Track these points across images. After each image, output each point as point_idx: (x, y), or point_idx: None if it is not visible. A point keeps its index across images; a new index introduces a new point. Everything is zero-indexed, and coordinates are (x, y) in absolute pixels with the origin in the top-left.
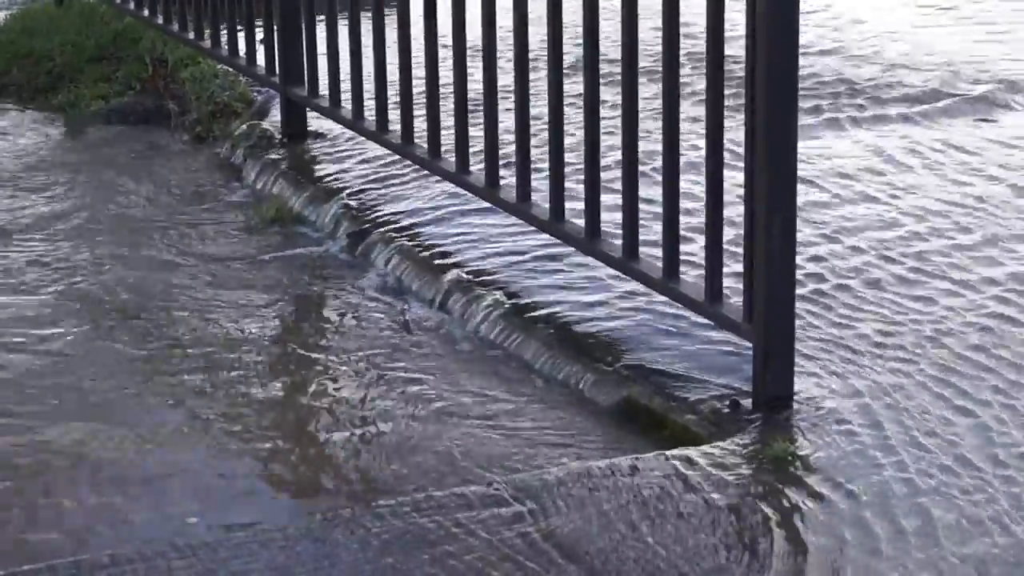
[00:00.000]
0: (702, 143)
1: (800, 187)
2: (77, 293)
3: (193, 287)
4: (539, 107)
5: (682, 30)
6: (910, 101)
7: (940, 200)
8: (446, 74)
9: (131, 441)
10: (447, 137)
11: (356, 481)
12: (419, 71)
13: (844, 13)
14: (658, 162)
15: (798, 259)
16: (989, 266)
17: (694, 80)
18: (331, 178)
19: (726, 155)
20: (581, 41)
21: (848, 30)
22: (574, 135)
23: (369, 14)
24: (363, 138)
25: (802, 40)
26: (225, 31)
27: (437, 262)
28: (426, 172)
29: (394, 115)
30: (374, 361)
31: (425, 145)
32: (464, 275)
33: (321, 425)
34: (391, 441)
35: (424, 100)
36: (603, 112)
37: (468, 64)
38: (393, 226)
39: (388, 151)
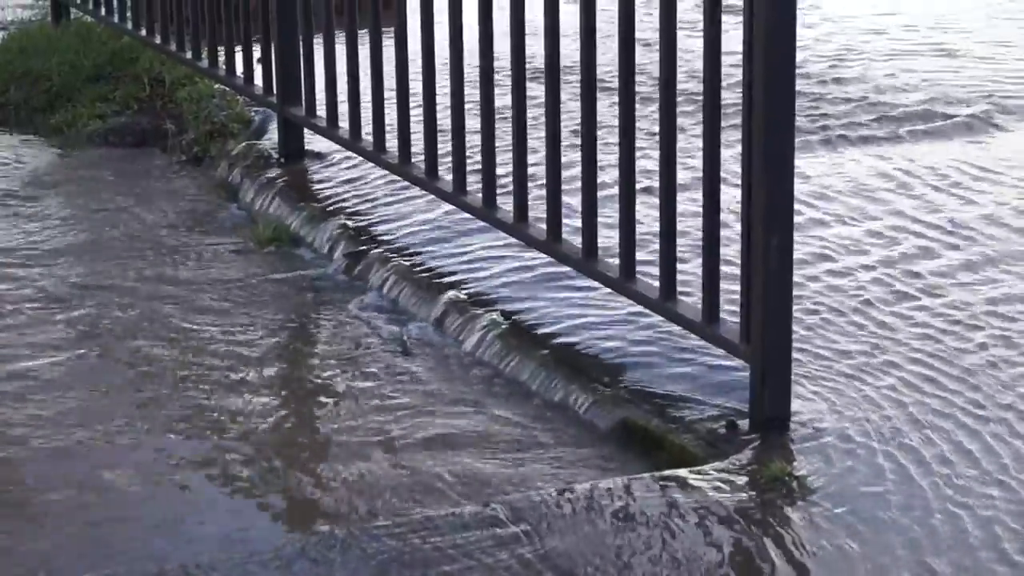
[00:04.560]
0: (699, 162)
1: (795, 207)
2: (69, 315)
3: (188, 310)
4: (537, 127)
5: (679, 52)
6: (898, 122)
7: (932, 221)
8: (444, 95)
9: (124, 465)
10: (444, 157)
11: (351, 502)
12: (417, 87)
13: (833, 33)
14: (655, 181)
15: (794, 280)
16: (984, 287)
17: (692, 100)
18: (328, 198)
19: (724, 174)
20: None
21: (837, 50)
22: (571, 154)
23: (367, 33)
24: (360, 158)
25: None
26: (222, 51)
27: (434, 282)
28: (424, 192)
29: (391, 135)
30: (370, 382)
31: (422, 165)
32: (461, 295)
33: (317, 446)
34: (387, 462)
35: (422, 120)
36: (601, 132)
37: (465, 85)
38: (390, 246)
39: (385, 171)
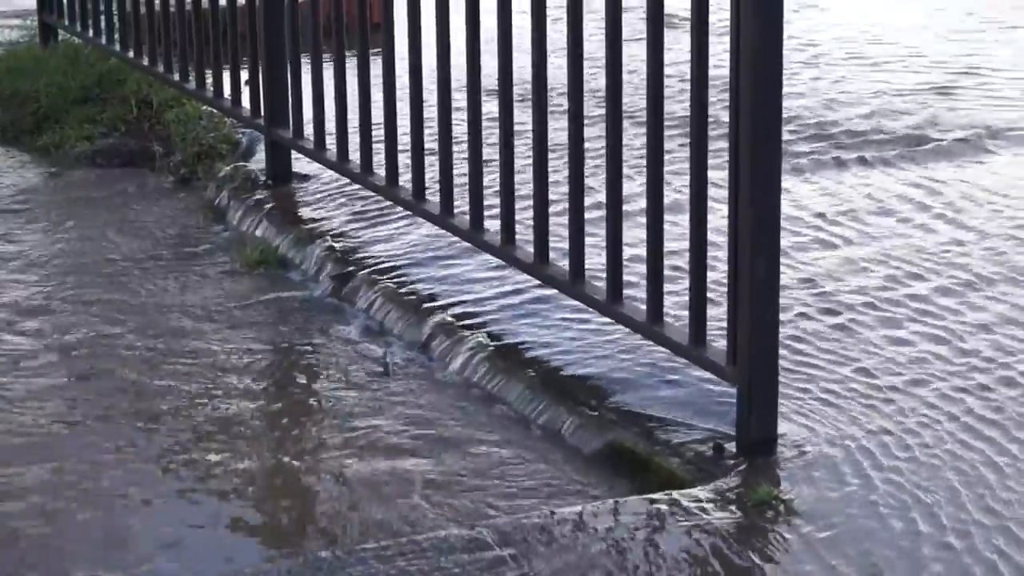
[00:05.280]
0: (686, 184)
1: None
2: (53, 339)
3: (175, 333)
4: (524, 149)
5: (666, 70)
6: (888, 145)
7: (918, 244)
8: (431, 117)
9: (104, 492)
10: (431, 179)
11: (336, 524)
12: (404, 108)
13: (821, 56)
14: (642, 203)
15: (781, 302)
16: (969, 310)
17: (680, 121)
18: (315, 220)
19: (710, 196)
20: (566, 84)
21: (826, 73)
22: (559, 175)
23: (354, 56)
24: (348, 180)
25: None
26: (210, 73)
27: (422, 305)
28: (411, 214)
29: (379, 157)
30: (355, 404)
31: (410, 187)
32: (448, 317)
33: (302, 469)
34: (373, 485)
35: (409, 142)
36: (588, 154)
37: (453, 107)
38: (377, 268)
39: (373, 193)
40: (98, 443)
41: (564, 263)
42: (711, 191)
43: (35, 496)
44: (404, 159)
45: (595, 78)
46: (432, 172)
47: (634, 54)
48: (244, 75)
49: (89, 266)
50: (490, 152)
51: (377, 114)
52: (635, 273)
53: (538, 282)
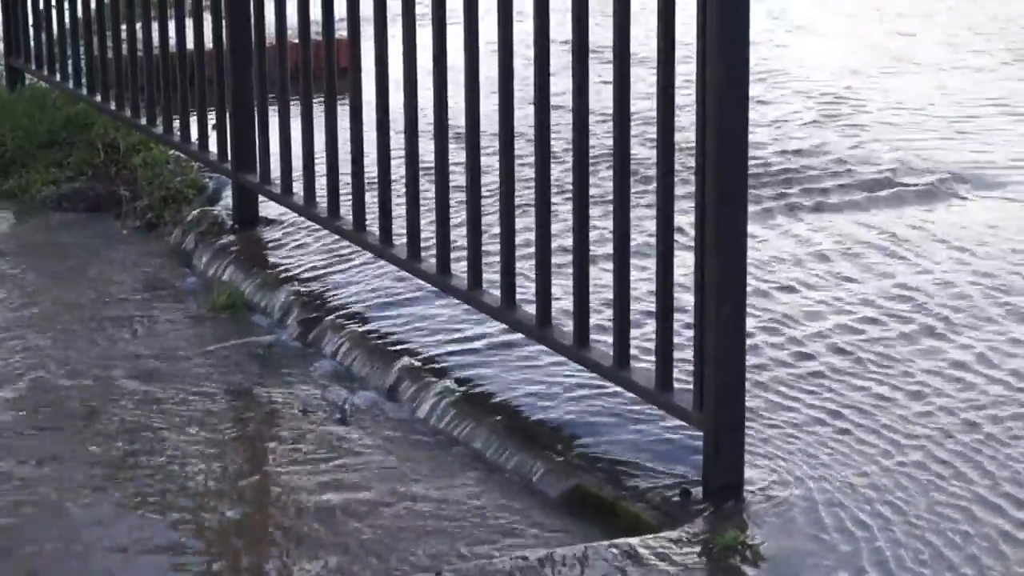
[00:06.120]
0: (653, 228)
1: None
2: (8, 384)
3: (140, 379)
4: (491, 191)
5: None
6: (854, 190)
7: (883, 290)
8: (398, 161)
9: (69, 543)
10: (398, 224)
11: (299, 573)
12: (372, 153)
13: (789, 103)
14: (609, 248)
15: (747, 347)
16: (931, 356)
17: (646, 166)
18: (282, 265)
19: (680, 242)
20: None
21: (791, 119)
22: (525, 215)
23: (321, 101)
24: (315, 224)
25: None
26: (177, 117)
27: (388, 349)
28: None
29: (346, 201)
30: (319, 451)
31: (377, 232)
32: (415, 362)
33: (266, 518)
34: (335, 532)
35: (376, 187)
36: (555, 199)
37: (420, 152)
38: (344, 313)
39: (340, 237)
40: (46, 493)
41: (532, 308)
42: (682, 238)
43: None
44: (372, 201)
45: (564, 120)
46: (399, 217)
47: (601, 96)
48: (211, 119)
49: (52, 310)
50: (458, 196)
51: (344, 159)
52: (603, 316)
53: (505, 326)
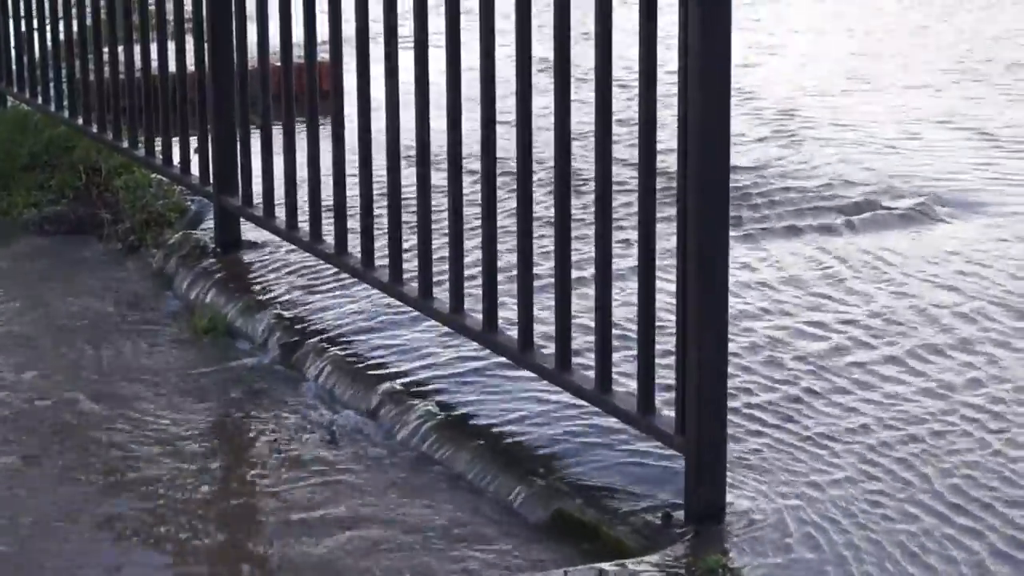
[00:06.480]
0: (635, 252)
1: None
2: None
3: (121, 404)
4: (474, 215)
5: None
6: (836, 213)
7: (866, 312)
8: (381, 186)
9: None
10: (380, 247)
11: None
12: (354, 176)
13: (771, 125)
14: (591, 271)
15: (729, 371)
16: (914, 377)
17: (628, 186)
18: (264, 288)
19: (662, 265)
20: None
21: (771, 142)
22: (509, 243)
23: (303, 124)
24: (297, 247)
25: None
26: (159, 140)
27: (370, 373)
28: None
29: (328, 224)
30: (303, 474)
31: (359, 255)
32: (397, 386)
33: (246, 540)
34: (318, 558)
35: (358, 209)
36: (537, 224)
37: (403, 176)
38: (326, 336)
39: (322, 260)
40: (16, 518)
41: (514, 331)
42: (664, 261)
43: None
44: (354, 225)
45: (547, 146)
46: (381, 240)
47: (581, 119)
48: (193, 142)
49: (32, 334)
50: (439, 219)
51: (326, 182)
52: (585, 340)
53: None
